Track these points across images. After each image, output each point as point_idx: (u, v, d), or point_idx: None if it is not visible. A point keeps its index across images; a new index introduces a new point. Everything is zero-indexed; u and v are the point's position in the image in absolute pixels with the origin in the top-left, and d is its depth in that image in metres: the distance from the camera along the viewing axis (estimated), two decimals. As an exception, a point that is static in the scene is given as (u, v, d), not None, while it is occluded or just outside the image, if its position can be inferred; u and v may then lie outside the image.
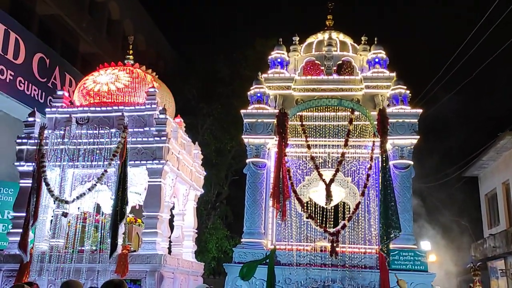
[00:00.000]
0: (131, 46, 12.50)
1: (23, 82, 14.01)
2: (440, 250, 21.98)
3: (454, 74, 18.00)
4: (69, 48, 19.21)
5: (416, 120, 11.08)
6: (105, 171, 9.95)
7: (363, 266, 10.26)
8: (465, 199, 23.33)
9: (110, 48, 21.78)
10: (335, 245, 9.96)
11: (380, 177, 10.57)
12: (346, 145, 10.98)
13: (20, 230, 9.81)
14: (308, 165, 11.46)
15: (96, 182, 9.99)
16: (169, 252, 11.42)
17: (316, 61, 12.31)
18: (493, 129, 19.73)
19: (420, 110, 11.20)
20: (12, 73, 13.60)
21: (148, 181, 10.31)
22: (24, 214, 9.88)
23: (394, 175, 10.67)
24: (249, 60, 21.31)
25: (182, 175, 11.44)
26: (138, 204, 11.87)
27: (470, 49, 16.39)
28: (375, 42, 12.26)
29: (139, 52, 23.11)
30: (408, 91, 11.32)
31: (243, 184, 11.97)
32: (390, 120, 10.62)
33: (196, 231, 12.96)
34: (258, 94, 11.68)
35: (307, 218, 10.82)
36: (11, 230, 10.34)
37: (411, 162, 11.03)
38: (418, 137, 11.02)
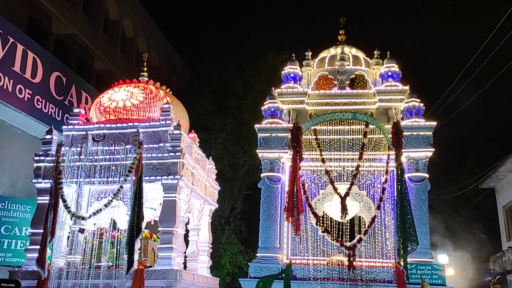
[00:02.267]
0: (145, 63, 12.69)
1: (40, 100, 14.25)
2: (458, 263, 21.61)
3: (469, 83, 17.90)
4: (84, 66, 19.55)
5: (430, 133, 11.04)
6: (121, 187, 10.03)
7: (380, 281, 10.15)
8: (483, 211, 22.98)
9: (124, 65, 22.12)
10: (352, 259, 9.89)
11: (395, 190, 10.54)
12: (360, 158, 10.96)
13: (38, 247, 9.90)
14: (323, 179, 11.44)
15: (112, 198, 10.07)
16: (185, 267, 11.41)
17: (329, 76, 12.38)
18: (509, 139, 19.52)
19: (434, 123, 11.17)
20: (30, 92, 13.85)
21: (163, 197, 10.37)
22: (41, 231, 9.97)
23: (410, 188, 10.61)
24: (261, 74, 21.45)
25: (197, 190, 11.48)
26: (153, 220, 11.92)
27: (485, 58, 16.31)
28: (388, 56, 12.30)
29: (153, 68, 23.45)
30: (421, 104, 11.30)
31: (256, 198, 11.99)
32: (404, 133, 10.61)
33: (211, 246, 12.95)
34: (272, 109, 11.75)
35: (323, 232, 10.77)
36: (29, 247, 10.41)
37: (427, 175, 10.97)
38: (433, 149, 10.97)
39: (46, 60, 14.80)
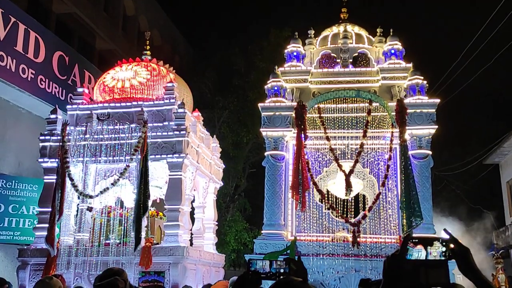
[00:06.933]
0: (147, 41, 12.64)
1: (44, 80, 14.26)
2: (461, 238, 21.71)
3: (474, 59, 17.77)
4: (86, 45, 19.45)
5: (433, 110, 11.02)
6: (127, 165, 10.13)
7: (384, 256, 10.30)
8: (486, 187, 23.08)
9: (126, 44, 21.98)
10: (356, 235, 10.03)
11: (399, 167, 10.61)
12: (364, 136, 10.99)
13: (46, 225, 10.07)
14: (326, 157, 11.50)
15: (119, 177, 10.19)
16: (191, 244, 11.60)
17: (332, 54, 12.30)
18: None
19: (437, 100, 11.15)
20: (33, 72, 13.85)
21: (169, 175, 10.47)
22: (49, 209, 10.13)
23: (413, 165, 10.67)
24: (264, 52, 21.33)
25: (202, 168, 11.58)
26: (159, 198, 12.07)
27: (490, 34, 16.15)
28: (391, 34, 12.19)
29: (155, 47, 23.27)
30: (425, 82, 11.26)
31: (260, 176, 12.08)
32: (407, 111, 10.61)
33: (217, 223, 13.12)
34: (275, 88, 11.73)
35: (327, 209, 10.89)
36: (37, 225, 10.59)
37: (430, 152, 11.00)
38: (436, 126, 10.97)
39: (48, 39, 14.75)
